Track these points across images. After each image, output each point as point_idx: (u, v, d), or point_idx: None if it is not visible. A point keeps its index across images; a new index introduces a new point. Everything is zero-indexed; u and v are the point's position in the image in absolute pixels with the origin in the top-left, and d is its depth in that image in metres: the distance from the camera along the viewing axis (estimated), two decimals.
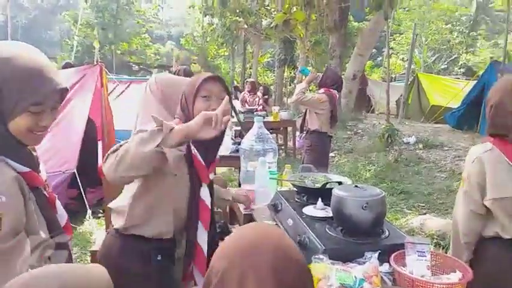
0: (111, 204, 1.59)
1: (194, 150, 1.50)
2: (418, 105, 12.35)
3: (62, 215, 1.36)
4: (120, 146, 1.33)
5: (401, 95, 11.26)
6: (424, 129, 8.97)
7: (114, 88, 6.18)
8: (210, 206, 1.55)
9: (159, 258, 1.50)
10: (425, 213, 4.59)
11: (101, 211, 4.21)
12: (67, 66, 5.60)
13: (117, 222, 1.53)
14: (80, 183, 3.87)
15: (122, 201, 1.55)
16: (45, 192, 1.26)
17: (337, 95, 4.33)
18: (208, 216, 1.54)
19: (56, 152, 3.90)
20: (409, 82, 11.46)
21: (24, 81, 1.08)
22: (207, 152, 1.53)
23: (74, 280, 0.75)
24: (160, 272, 1.51)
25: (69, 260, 1.31)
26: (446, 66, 21.87)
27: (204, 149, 1.52)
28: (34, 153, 1.26)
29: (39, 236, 1.17)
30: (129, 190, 1.51)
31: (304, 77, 4.27)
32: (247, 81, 9.92)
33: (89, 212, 3.95)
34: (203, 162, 1.52)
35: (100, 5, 28.48)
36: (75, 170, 3.89)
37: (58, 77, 1.15)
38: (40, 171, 1.27)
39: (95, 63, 5.06)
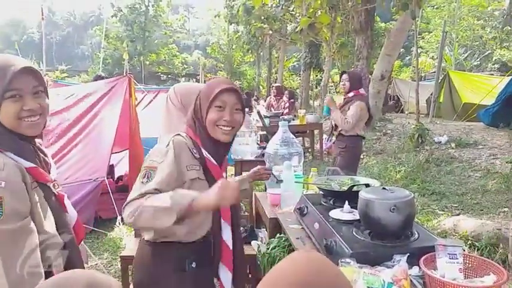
0: None
1: (206, 154, 1.53)
2: (449, 104, 11.98)
3: (72, 215, 1.42)
4: (140, 195, 1.35)
5: (431, 94, 10.97)
6: (456, 128, 8.70)
7: (143, 98, 6.33)
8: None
9: (193, 265, 1.51)
10: (458, 214, 4.43)
11: None
12: (98, 78, 5.79)
13: (147, 234, 1.55)
14: (110, 191, 3.98)
15: None
16: (54, 190, 1.33)
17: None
18: (229, 213, 1.58)
19: (87, 162, 4.03)
20: (439, 80, 11.15)
21: None
22: (217, 154, 1.57)
23: (99, 279, 0.78)
24: (195, 277, 1.52)
25: (77, 259, 1.36)
26: (479, 62, 21.14)
27: (215, 151, 1.56)
28: (42, 154, 1.34)
29: (43, 234, 1.24)
30: None
31: (331, 111, 4.16)
32: (273, 86, 9.95)
33: (119, 218, 4.05)
34: (216, 163, 1.55)
35: (129, 19, 29.35)
36: (105, 178, 4.00)
37: (19, 63, 1.23)
38: (49, 171, 1.35)
39: (124, 74, 5.20)
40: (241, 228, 3.00)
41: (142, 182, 1.40)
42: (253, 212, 3.08)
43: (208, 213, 1.52)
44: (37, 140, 1.35)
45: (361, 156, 7.34)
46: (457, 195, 5.07)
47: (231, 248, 1.56)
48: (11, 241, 1.15)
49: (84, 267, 1.42)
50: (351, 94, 4.05)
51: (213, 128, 1.53)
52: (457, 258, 1.41)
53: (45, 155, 1.38)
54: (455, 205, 4.79)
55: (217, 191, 1.30)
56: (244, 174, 2.19)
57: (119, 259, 2.87)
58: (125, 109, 4.35)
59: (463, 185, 5.38)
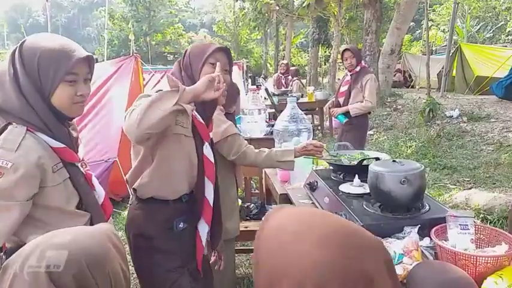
0: (128, 176, 1.67)
1: (194, 112, 1.57)
2: (461, 77, 11.75)
3: (100, 193, 1.45)
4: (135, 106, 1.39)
5: (442, 68, 10.76)
6: (468, 102, 8.56)
7: (150, 78, 6.30)
8: (213, 162, 1.64)
9: (181, 225, 1.59)
10: (470, 188, 4.40)
11: None
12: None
13: (138, 190, 1.61)
14: (121, 171, 4.01)
15: (136, 170, 1.62)
16: (81, 169, 1.37)
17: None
18: (213, 171, 1.64)
19: (97, 143, 4.04)
20: (451, 54, 10.91)
21: (55, 56, 1.23)
22: (205, 113, 1.63)
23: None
24: (182, 235, 1.61)
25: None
26: (491, 34, 20.61)
27: (202, 110, 1.61)
28: (74, 134, 1.37)
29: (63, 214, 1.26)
30: (140, 159, 1.58)
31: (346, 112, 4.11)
32: (282, 63, 9.83)
33: (132, 197, 4.08)
34: (202, 121, 1.61)
35: None
36: (117, 158, 4.02)
37: (81, 50, 1.28)
38: (78, 151, 1.37)
39: (131, 54, 5.17)
40: (252, 204, 3.04)
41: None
42: (264, 188, 3.10)
43: (193, 169, 1.58)
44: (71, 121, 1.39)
45: (371, 132, 7.31)
46: (469, 169, 5.03)
47: (211, 205, 1.63)
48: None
49: None
50: (357, 68, 3.99)
51: None
52: (468, 229, 1.40)
53: (77, 134, 1.41)
54: (467, 179, 4.75)
55: (204, 80, 1.40)
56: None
57: None
58: (133, 88, 4.34)
59: (475, 159, 5.33)
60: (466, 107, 7.75)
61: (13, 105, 1.21)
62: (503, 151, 5.37)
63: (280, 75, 8.85)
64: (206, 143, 1.62)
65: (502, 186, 4.42)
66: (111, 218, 1.53)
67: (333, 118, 7.01)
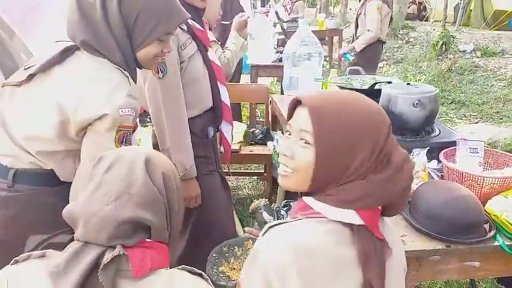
0: None
1: (191, 22, 1.58)
2: (479, 11, 11.17)
3: None
4: None
5: (460, 0, 10.22)
6: (483, 37, 8.23)
7: None
8: (220, 65, 1.73)
9: (211, 132, 1.70)
10: (477, 123, 4.38)
11: (148, 119, 4.37)
12: None
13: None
14: None
15: None
16: None
17: None
18: (222, 74, 1.73)
19: None
20: None
21: (160, 12, 1.16)
22: (198, 20, 1.64)
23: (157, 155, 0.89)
24: (213, 142, 1.76)
25: None
26: None
27: (195, 16, 1.61)
28: None
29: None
30: None
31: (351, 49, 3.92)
32: None
33: (137, 119, 4.09)
34: (200, 28, 1.64)
35: None
36: None
37: (181, 11, 1.24)
38: None
39: None
40: (257, 130, 3.05)
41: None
42: (270, 115, 3.09)
43: (207, 81, 1.65)
44: None
45: (381, 65, 7.13)
46: (477, 104, 4.97)
47: (229, 106, 1.75)
48: None
49: None
50: None
51: None
52: (477, 152, 1.41)
53: None
54: (474, 114, 4.72)
55: None
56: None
57: None
58: None
59: (484, 94, 5.24)
60: (481, 42, 7.48)
61: (106, 45, 1.12)
62: None
63: (288, 1, 8.41)
64: (210, 49, 1.68)
65: (509, 121, 4.40)
66: None
67: (342, 49, 6.80)
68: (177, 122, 1.55)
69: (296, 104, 0.82)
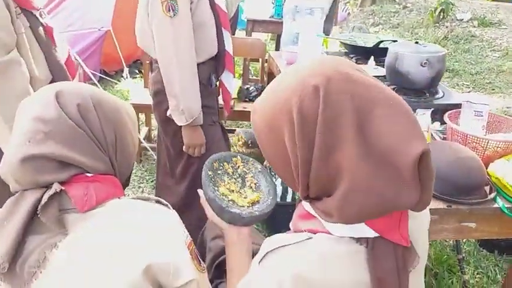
0: None
1: None
2: None
3: (63, 49, 1.35)
4: None
5: None
6: (481, 6, 8.10)
7: None
8: (225, 11, 1.66)
9: (214, 80, 1.67)
10: (469, 92, 4.38)
11: (137, 71, 4.25)
12: None
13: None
14: (116, 43, 3.82)
15: None
16: (41, 20, 1.26)
17: None
18: (228, 20, 1.68)
19: (89, 9, 3.76)
20: None
21: None
22: None
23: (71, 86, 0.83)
24: (215, 91, 1.75)
25: None
26: None
27: None
28: None
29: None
30: None
31: None
32: None
33: (126, 70, 3.98)
34: None
35: None
36: (111, 28, 3.80)
37: None
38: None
39: None
40: (252, 87, 2.98)
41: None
42: (266, 72, 3.00)
43: (213, 27, 1.58)
44: None
45: (376, 29, 7.00)
46: (470, 74, 4.95)
47: (231, 54, 1.71)
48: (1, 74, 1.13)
49: None
50: None
51: None
52: (482, 116, 1.39)
53: None
54: (466, 83, 4.71)
55: None
56: None
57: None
58: None
59: (478, 64, 5.22)
60: (479, 11, 7.37)
61: None
62: (508, 58, 5.25)
63: None
64: None
65: (501, 92, 4.41)
66: (104, 89, 1.48)
67: (339, 10, 6.62)
68: (187, 66, 1.46)
69: None
